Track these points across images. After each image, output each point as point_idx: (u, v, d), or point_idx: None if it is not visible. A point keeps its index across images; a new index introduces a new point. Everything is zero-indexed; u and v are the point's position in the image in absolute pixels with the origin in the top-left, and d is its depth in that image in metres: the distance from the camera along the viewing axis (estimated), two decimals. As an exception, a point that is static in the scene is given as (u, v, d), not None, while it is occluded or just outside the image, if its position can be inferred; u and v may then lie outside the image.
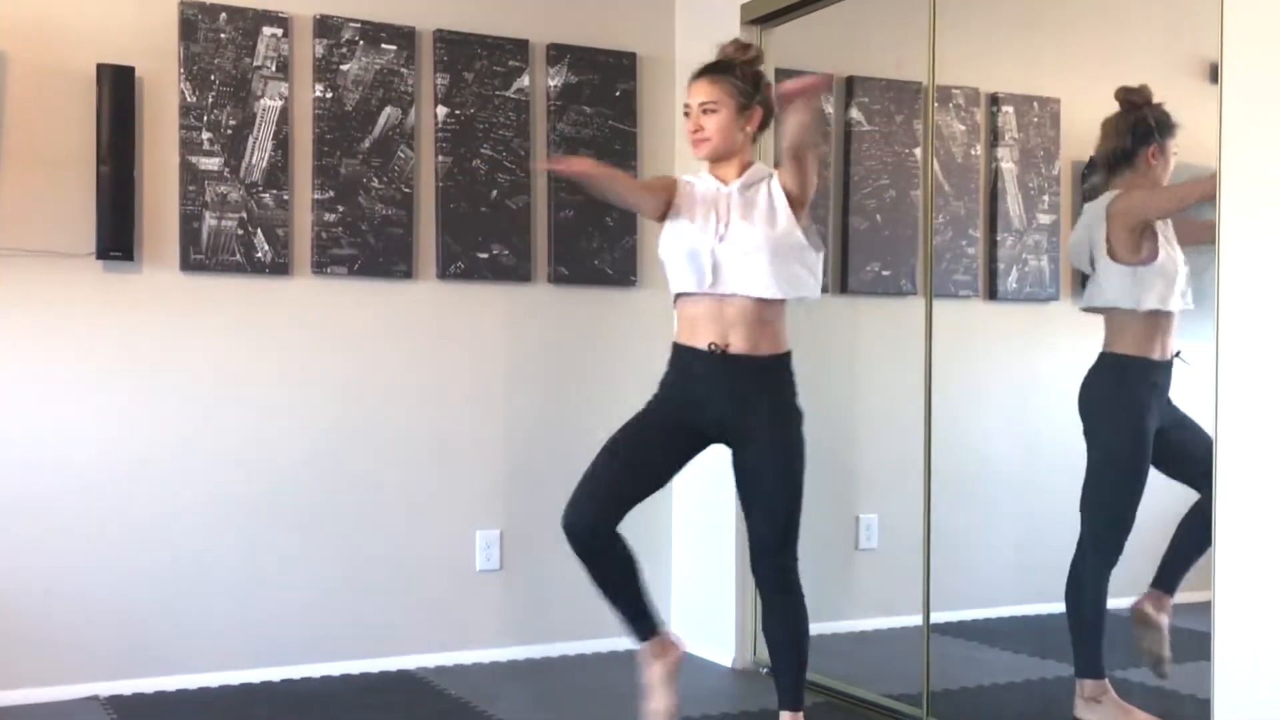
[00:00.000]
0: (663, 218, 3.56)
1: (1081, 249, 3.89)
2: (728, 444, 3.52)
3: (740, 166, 3.52)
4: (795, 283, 3.47)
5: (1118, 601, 4.01)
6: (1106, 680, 3.84)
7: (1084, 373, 3.87)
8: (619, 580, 3.53)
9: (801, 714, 3.56)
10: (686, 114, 3.54)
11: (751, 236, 3.42)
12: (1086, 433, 3.86)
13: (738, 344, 3.44)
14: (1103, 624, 3.86)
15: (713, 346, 3.43)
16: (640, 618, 3.58)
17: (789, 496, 3.48)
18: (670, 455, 3.55)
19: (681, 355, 3.52)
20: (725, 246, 3.43)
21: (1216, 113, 3.14)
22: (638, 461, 3.50)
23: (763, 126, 3.58)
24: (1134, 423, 3.76)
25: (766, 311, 3.46)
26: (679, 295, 3.53)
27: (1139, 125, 3.78)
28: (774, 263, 3.42)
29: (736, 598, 4.76)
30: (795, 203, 3.47)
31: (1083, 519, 3.89)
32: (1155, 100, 3.78)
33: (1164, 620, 3.80)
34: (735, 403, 3.45)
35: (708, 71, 3.52)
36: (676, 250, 3.50)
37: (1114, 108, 3.86)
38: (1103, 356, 3.85)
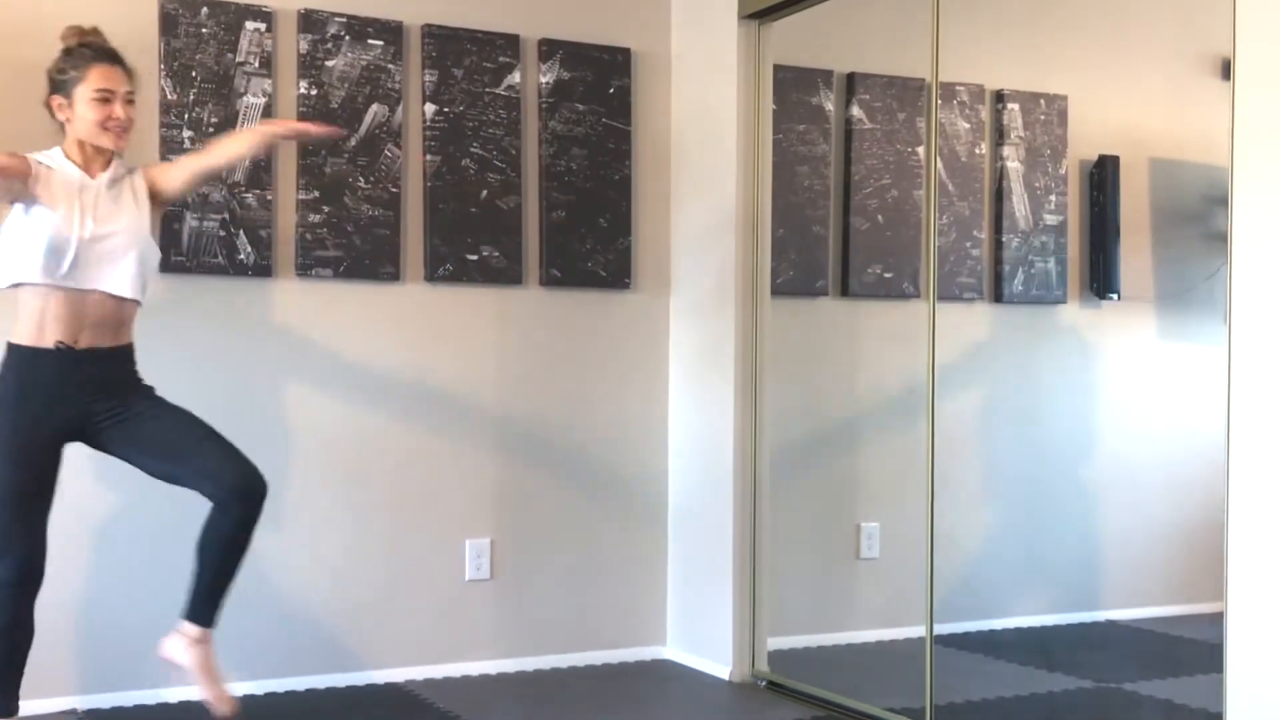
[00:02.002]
0: (16, 200, 3.50)
1: None
2: (90, 438, 3.54)
3: (108, 158, 3.59)
4: (148, 284, 3.59)
5: (1127, 612, 4.01)
6: None
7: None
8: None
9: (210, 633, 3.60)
10: (105, 100, 3.52)
11: (120, 235, 3.50)
12: None
13: (89, 339, 3.48)
14: None
15: (60, 345, 3.46)
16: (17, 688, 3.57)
17: (209, 428, 3.56)
18: (51, 463, 3.53)
19: (23, 356, 3.48)
20: (91, 243, 3.46)
21: (1229, 110, 3.14)
22: (30, 485, 3.49)
23: None
24: None
25: (125, 310, 3.54)
26: (19, 285, 3.48)
27: None
28: (139, 263, 3.51)
29: (733, 607, 4.75)
30: (160, 202, 3.63)
31: None
32: None
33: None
34: (91, 393, 3.49)
35: (118, 58, 3.59)
36: (34, 238, 3.44)
37: (1120, 106, 3.86)
38: None
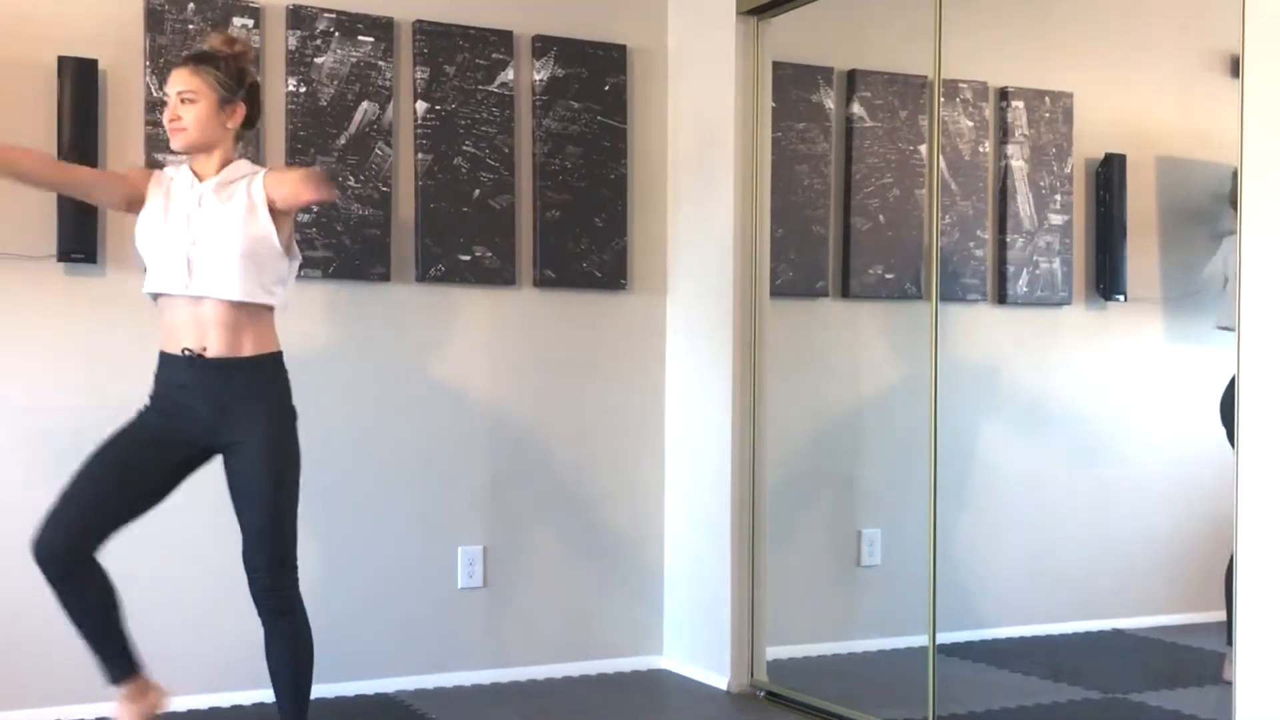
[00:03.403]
0: (131, 209, 3.56)
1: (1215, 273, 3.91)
2: (219, 452, 3.52)
3: (220, 162, 3.55)
4: (273, 286, 3.50)
5: (1134, 621, 4.01)
6: None
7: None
8: (93, 612, 3.47)
9: None
10: (165, 103, 3.54)
11: (221, 238, 3.44)
12: None
13: (216, 347, 3.45)
14: None
15: (187, 351, 3.45)
16: (116, 657, 3.52)
17: (278, 507, 3.48)
18: (163, 471, 3.52)
19: (162, 363, 3.52)
20: (198, 248, 3.44)
21: (1237, 108, 3.14)
22: (121, 482, 3.47)
23: (247, 124, 3.61)
24: None
25: (243, 314, 3.48)
26: (157, 296, 3.52)
27: None
28: (246, 263, 3.44)
29: (732, 616, 4.74)
30: (280, 212, 3.51)
31: None
32: None
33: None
34: (217, 408, 3.46)
35: (189, 61, 3.55)
36: (150, 249, 3.50)
37: (1127, 103, 3.86)
38: None
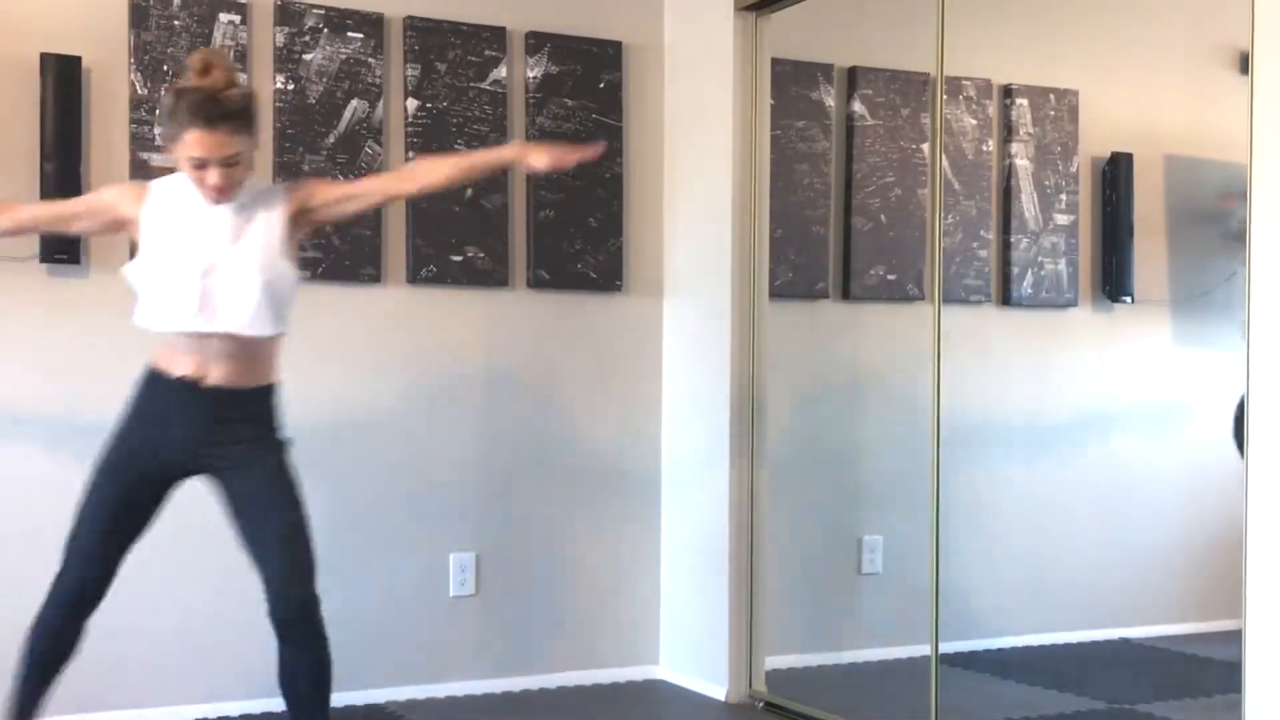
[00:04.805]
0: (121, 231, 3.46)
1: None
2: (205, 474, 3.44)
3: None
4: (282, 313, 3.40)
5: (1141, 630, 4.00)
6: None
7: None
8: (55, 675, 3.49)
9: None
10: (200, 166, 3.26)
11: (242, 265, 3.32)
12: None
13: (220, 376, 3.35)
14: None
15: (185, 380, 3.35)
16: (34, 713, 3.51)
17: (299, 531, 3.41)
18: (157, 503, 3.47)
19: (153, 380, 3.42)
20: (208, 277, 3.31)
21: (1247, 105, 3.13)
22: (121, 530, 3.43)
23: None
24: None
25: (258, 345, 3.38)
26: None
27: None
28: (264, 294, 3.33)
29: (730, 625, 4.73)
30: (311, 221, 3.45)
31: None
32: None
33: None
34: (212, 434, 3.36)
35: (223, 121, 3.26)
36: (154, 279, 3.36)
37: (1134, 100, 3.86)
38: None
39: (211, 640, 4.46)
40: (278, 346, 3.47)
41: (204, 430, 3.36)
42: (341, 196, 3.51)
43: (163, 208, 3.39)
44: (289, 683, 3.48)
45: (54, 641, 3.46)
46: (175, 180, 3.41)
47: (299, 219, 3.44)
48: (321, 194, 3.48)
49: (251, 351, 3.38)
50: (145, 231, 3.38)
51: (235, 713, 4.48)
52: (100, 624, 4.29)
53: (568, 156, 3.57)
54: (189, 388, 3.35)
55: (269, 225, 3.38)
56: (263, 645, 4.50)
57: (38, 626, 3.46)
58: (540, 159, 3.49)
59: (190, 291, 3.30)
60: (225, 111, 3.25)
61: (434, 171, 3.61)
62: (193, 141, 3.24)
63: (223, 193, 3.31)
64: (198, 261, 3.31)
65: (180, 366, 3.36)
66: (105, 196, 3.53)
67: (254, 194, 3.41)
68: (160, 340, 3.42)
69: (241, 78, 3.50)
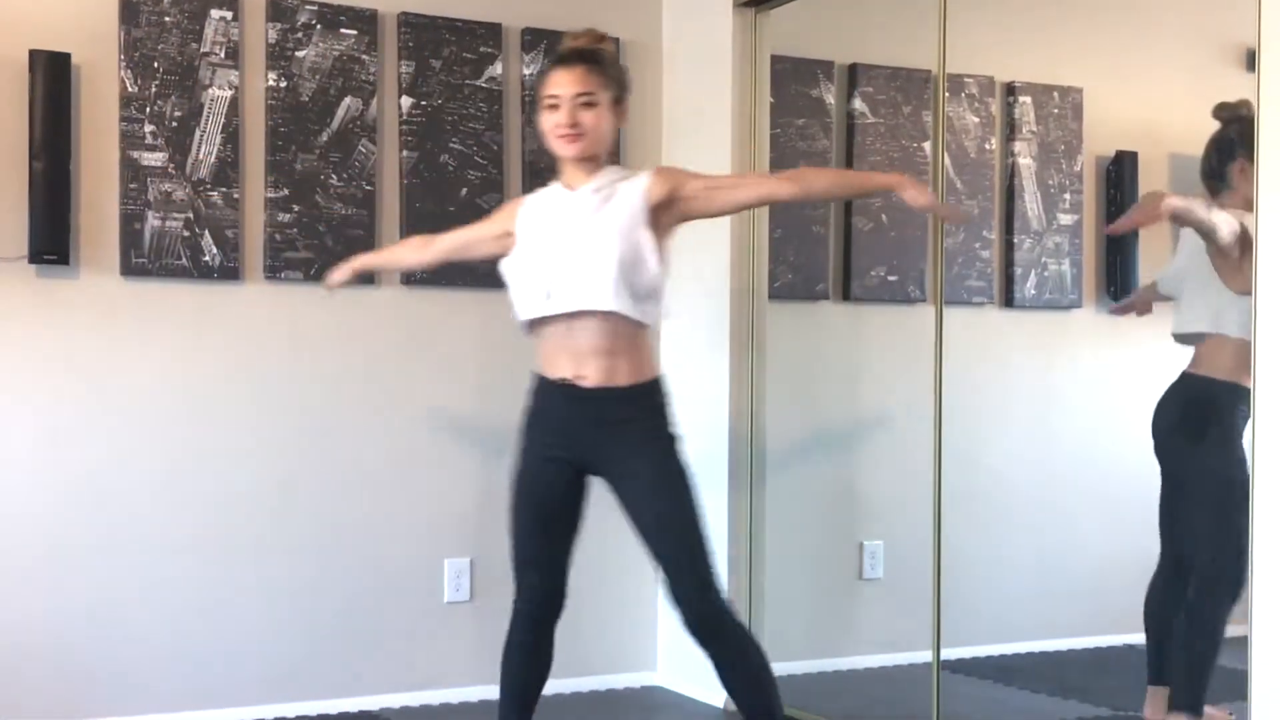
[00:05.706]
0: (509, 243, 3.50)
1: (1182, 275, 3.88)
2: (603, 478, 3.44)
3: (595, 170, 3.40)
4: (647, 302, 3.36)
5: (1137, 637, 3.99)
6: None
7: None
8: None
9: None
10: (554, 106, 3.34)
11: (594, 245, 3.31)
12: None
13: (596, 376, 3.34)
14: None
15: (564, 381, 3.37)
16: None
17: (686, 535, 3.35)
18: (571, 495, 3.48)
19: (538, 388, 3.47)
20: (563, 261, 3.33)
21: (1254, 102, 3.12)
22: (548, 517, 3.47)
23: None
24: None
25: (624, 335, 3.34)
26: (532, 323, 3.44)
27: (1223, 140, 3.77)
28: (619, 271, 3.29)
29: (729, 632, 4.72)
30: (682, 211, 3.40)
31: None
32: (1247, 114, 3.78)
33: None
34: (595, 437, 3.37)
35: (582, 59, 3.36)
36: (517, 271, 3.42)
37: (1139, 99, 3.85)
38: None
39: (206, 647, 4.45)
40: (647, 338, 3.43)
41: (586, 433, 3.37)
42: (716, 188, 3.47)
43: (532, 210, 3.46)
44: (727, 686, 3.45)
45: (531, 658, 3.52)
46: (546, 189, 3.48)
47: (669, 206, 3.39)
48: (694, 184, 3.43)
49: (620, 344, 3.34)
50: (518, 234, 3.46)
51: (249, 718, 4.48)
52: (96, 632, 4.30)
53: (940, 208, 3.75)
54: (568, 390, 3.36)
55: (629, 201, 3.35)
56: (258, 652, 4.51)
57: (510, 651, 3.52)
58: (918, 197, 3.38)
59: (544, 273, 3.34)
60: (580, 52, 3.38)
61: (818, 179, 3.66)
62: (550, 82, 3.36)
63: (573, 139, 3.33)
64: (553, 243, 3.36)
65: (557, 368, 3.38)
66: (494, 216, 3.67)
67: (614, 177, 3.40)
68: (539, 342, 3.45)
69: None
